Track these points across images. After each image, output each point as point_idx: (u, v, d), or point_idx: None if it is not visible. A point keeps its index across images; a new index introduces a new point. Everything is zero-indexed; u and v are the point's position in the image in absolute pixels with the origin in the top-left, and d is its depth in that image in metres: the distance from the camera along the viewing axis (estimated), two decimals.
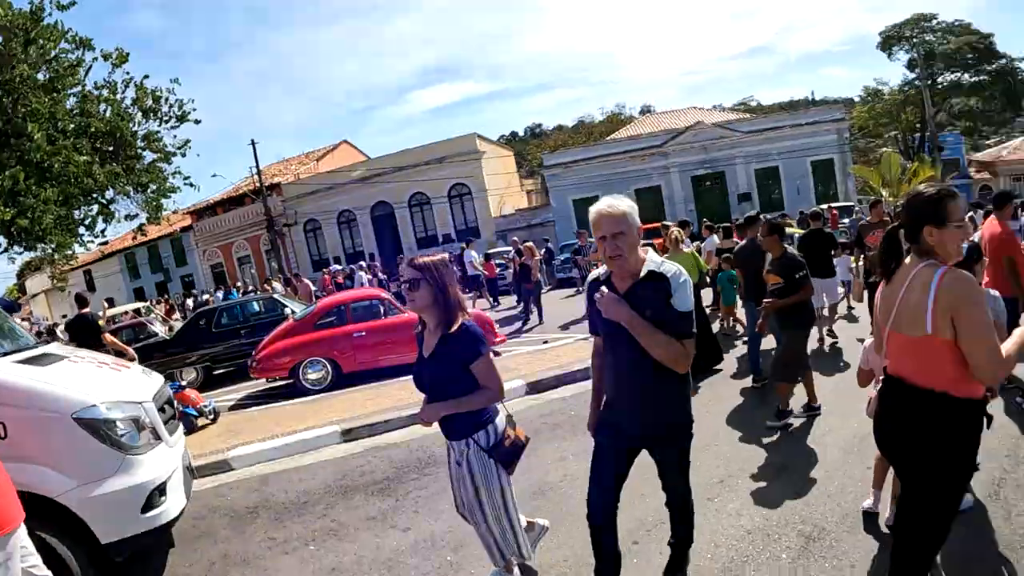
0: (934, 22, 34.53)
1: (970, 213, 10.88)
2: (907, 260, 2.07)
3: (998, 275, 4.89)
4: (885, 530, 3.07)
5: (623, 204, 2.22)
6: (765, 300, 4.77)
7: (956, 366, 1.93)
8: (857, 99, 40.17)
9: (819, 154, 26.41)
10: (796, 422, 4.63)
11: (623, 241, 2.20)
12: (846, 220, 17.55)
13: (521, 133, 73.24)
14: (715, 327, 6.88)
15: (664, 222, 11.55)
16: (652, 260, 2.27)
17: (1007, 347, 1.92)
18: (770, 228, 4.86)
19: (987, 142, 36.38)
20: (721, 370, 6.32)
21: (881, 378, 2.27)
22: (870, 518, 3.21)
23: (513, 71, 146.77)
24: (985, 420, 2.08)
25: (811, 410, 4.71)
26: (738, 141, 26.65)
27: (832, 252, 7.13)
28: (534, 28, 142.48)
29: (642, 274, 2.24)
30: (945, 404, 1.98)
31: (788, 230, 14.48)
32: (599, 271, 2.45)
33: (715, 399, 5.45)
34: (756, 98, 66.51)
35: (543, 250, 17.87)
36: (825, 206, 19.91)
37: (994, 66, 33.66)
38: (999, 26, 59.48)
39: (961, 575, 2.76)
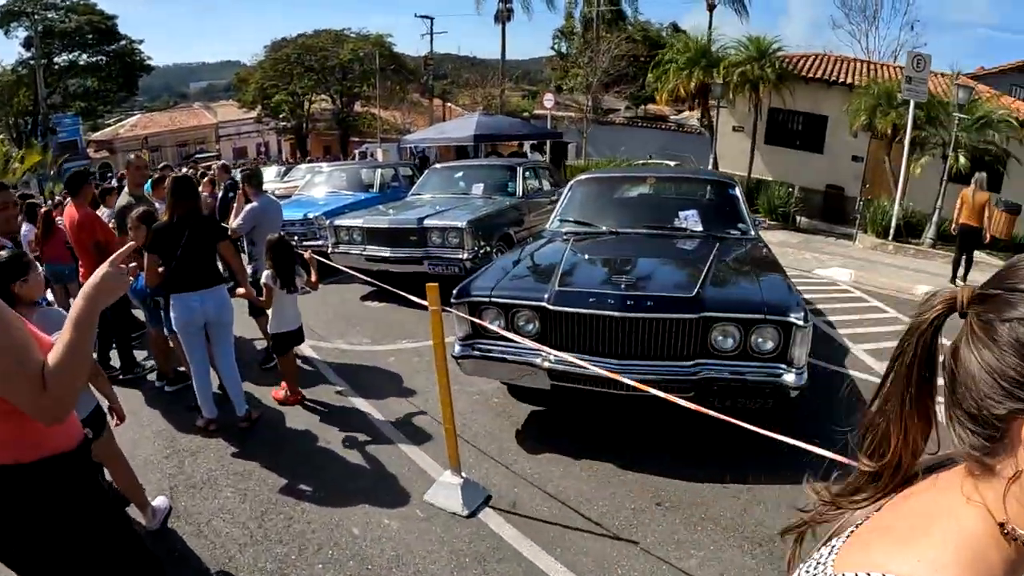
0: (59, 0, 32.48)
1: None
2: None
3: (92, 263, 4.42)
4: None
5: None
6: None
7: (7, 425, 1.48)
8: None
9: None
10: None
11: None
12: None
13: None
14: None
15: None
16: None
17: (55, 357, 1.35)
18: None
19: (106, 121, 37.07)
20: None
21: None
22: None
23: None
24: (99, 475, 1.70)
25: None
26: None
27: None
28: None
29: None
30: (19, 477, 1.52)
31: None
32: None
33: None
34: None
35: None
36: None
37: (114, 47, 33.58)
38: (122, 8, 50.55)
39: None
